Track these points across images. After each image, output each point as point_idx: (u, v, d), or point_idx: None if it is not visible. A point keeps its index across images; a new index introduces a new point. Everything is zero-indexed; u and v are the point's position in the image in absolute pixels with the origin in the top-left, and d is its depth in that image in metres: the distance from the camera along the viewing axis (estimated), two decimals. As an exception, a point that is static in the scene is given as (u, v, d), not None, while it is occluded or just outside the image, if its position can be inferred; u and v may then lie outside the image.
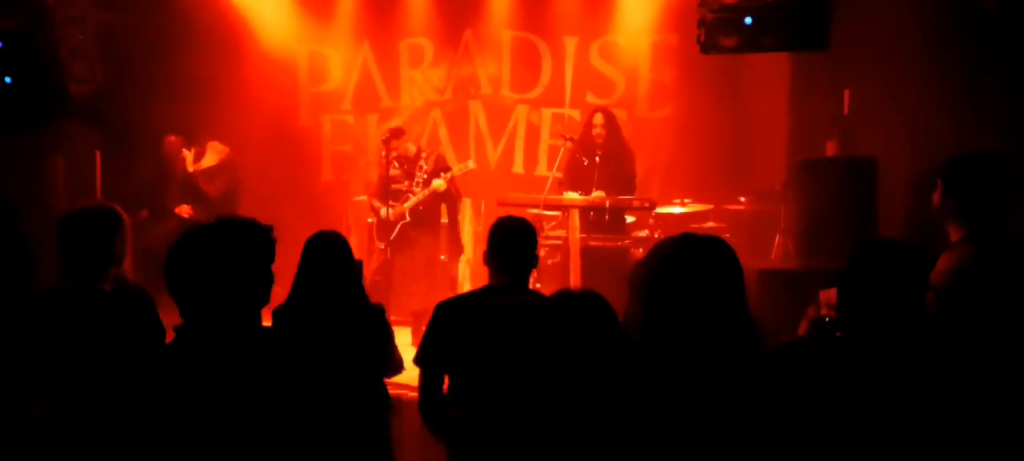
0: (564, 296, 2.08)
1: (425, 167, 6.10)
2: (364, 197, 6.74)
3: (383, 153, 5.91)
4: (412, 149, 6.14)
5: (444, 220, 6.25)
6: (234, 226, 2.01)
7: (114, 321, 2.51)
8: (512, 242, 2.79)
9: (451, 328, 2.71)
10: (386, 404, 3.00)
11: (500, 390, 2.04)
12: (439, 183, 5.95)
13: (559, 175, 5.80)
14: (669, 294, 1.81)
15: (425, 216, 6.09)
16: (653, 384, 1.76)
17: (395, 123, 6.48)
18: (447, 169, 6.10)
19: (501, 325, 2.41)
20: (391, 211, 5.96)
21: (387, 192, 5.93)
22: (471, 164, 6.33)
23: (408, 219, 6.07)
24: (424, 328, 2.86)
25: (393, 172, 6.02)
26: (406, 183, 6.08)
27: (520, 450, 1.81)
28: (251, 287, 1.99)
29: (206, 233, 1.97)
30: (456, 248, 6.53)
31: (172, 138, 6.61)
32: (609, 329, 1.96)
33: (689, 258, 1.83)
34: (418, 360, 2.81)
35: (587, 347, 1.87)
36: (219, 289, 1.93)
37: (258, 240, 2.01)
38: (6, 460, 1.74)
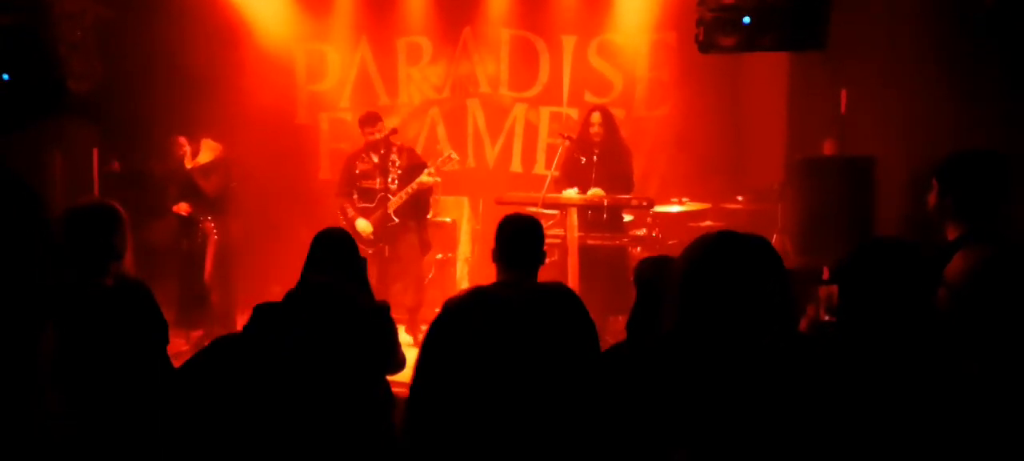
0: (532, 288, 2.08)
1: (398, 162, 5.92)
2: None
3: (364, 143, 5.80)
4: (389, 139, 5.96)
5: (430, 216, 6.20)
6: None
7: (116, 315, 2.53)
8: (519, 239, 2.82)
9: (454, 323, 2.72)
10: (389, 402, 3.00)
11: (478, 384, 2.04)
12: (427, 178, 5.85)
13: (557, 174, 5.80)
14: (718, 291, 1.77)
15: (407, 211, 5.99)
16: (682, 378, 1.74)
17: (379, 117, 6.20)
18: (423, 164, 5.95)
19: (476, 320, 2.40)
20: (367, 222, 5.88)
21: (354, 185, 5.89)
22: (454, 155, 6.11)
23: (396, 221, 5.94)
24: (421, 324, 2.87)
25: (365, 166, 5.91)
26: (379, 180, 5.91)
27: (499, 444, 1.81)
28: None
29: None
30: (427, 244, 6.25)
31: (181, 138, 6.52)
32: (578, 320, 1.96)
33: (744, 255, 1.80)
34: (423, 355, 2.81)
35: (554, 338, 1.87)
36: None
37: None
38: (18, 453, 1.76)
